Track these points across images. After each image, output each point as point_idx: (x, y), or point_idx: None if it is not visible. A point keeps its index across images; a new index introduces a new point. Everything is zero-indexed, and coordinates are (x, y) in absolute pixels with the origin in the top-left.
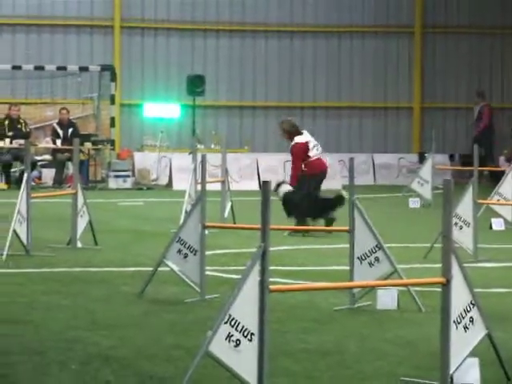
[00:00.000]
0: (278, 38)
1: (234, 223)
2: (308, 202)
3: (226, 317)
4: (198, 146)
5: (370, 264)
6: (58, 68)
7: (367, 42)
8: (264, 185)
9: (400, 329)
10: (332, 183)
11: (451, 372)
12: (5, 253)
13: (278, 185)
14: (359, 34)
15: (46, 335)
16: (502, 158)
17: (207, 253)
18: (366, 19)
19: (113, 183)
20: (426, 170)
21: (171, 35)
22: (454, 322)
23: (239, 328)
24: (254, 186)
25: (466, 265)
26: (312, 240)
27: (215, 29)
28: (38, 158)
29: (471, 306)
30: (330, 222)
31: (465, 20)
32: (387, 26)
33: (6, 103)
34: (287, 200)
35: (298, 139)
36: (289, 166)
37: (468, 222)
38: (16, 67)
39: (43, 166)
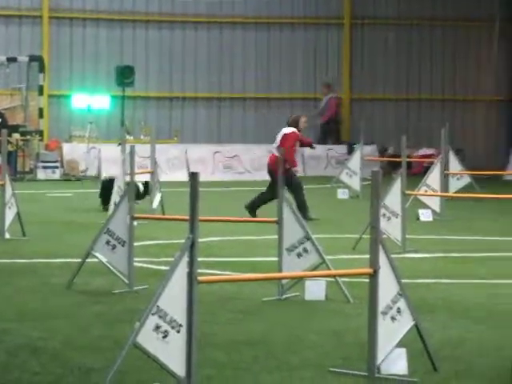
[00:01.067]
0: (208, 29)
1: (163, 214)
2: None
3: (154, 308)
4: (127, 136)
5: (299, 255)
6: None
7: (296, 33)
8: (193, 176)
9: (328, 319)
10: (261, 174)
11: (379, 362)
12: None
13: None
14: (288, 26)
15: None
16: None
17: (136, 244)
18: (295, 11)
19: (41, 174)
20: (354, 162)
21: (100, 26)
22: (382, 312)
23: (167, 319)
24: (183, 177)
25: (393, 255)
26: (240, 231)
27: (144, 19)
28: None
29: (399, 297)
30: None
31: (393, 11)
32: (316, 17)
33: None
34: None
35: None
36: (218, 156)
37: (396, 212)
38: None
39: None
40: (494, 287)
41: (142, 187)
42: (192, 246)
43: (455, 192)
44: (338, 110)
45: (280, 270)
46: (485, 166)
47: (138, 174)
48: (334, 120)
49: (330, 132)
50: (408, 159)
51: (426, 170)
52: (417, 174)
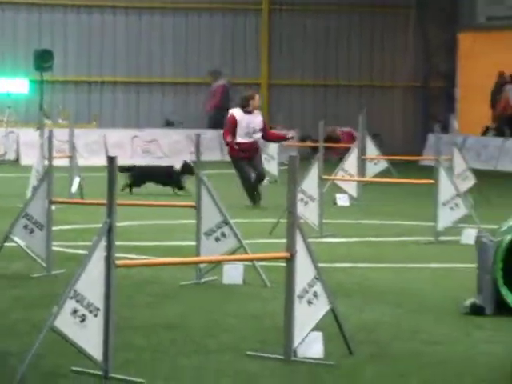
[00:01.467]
0: (126, 14)
1: (82, 199)
2: None
3: (72, 292)
4: (46, 121)
5: (217, 239)
6: None
7: (215, 18)
8: (111, 160)
9: (245, 303)
10: (180, 159)
11: (295, 346)
12: None
13: None
14: (207, 11)
15: None
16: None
17: (54, 228)
18: None
19: None
20: (272, 147)
21: (18, 10)
22: (298, 296)
23: (85, 303)
24: (102, 161)
25: (310, 240)
26: (159, 215)
27: (62, 4)
28: None
29: (315, 281)
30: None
31: None
32: (234, 2)
33: None
34: None
35: None
36: (136, 141)
37: (313, 197)
38: None
39: None
40: (409, 271)
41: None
42: (109, 231)
43: (372, 177)
44: (225, 97)
45: (198, 254)
46: (402, 151)
47: (56, 158)
48: (220, 108)
49: (217, 121)
50: (326, 144)
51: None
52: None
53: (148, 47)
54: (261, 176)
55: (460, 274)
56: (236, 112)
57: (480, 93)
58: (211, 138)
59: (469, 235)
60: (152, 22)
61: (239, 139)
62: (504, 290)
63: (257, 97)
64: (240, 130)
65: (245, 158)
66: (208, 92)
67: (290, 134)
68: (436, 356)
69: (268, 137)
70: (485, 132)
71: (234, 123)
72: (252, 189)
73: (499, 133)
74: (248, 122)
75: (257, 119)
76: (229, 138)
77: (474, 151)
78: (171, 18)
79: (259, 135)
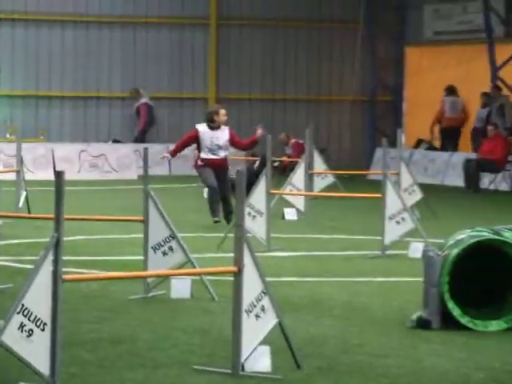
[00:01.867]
0: (74, 28)
1: (29, 213)
2: None
3: (19, 307)
4: None
5: (164, 253)
6: None
7: (162, 33)
8: (58, 175)
9: (193, 317)
10: (127, 173)
11: (243, 360)
12: None
13: None
14: (154, 26)
15: None
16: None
17: (1, 243)
18: (161, 10)
19: None
20: None
21: None
22: (246, 310)
23: (32, 318)
24: (50, 175)
25: (258, 254)
26: (107, 230)
27: (10, 18)
28: None
29: (263, 295)
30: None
31: (259, 13)
32: (182, 17)
33: None
34: None
35: None
36: (84, 155)
37: (261, 211)
38: None
39: None
40: (357, 285)
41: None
42: (57, 245)
43: (319, 191)
44: (149, 115)
45: (146, 269)
46: (349, 166)
47: (3, 172)
48: (149, 124)
49: (143, 139)
50: (274, 158)
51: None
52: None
53: (96, 61)
54: (225, 199)
55: (407, 287)
56: (200, 127)
57: (427, 107)
58: (160, 151)
59: (416, 249)
60: (100, 36)
61: (203, 155)
62: (450, 304)
63: (221, 112)
64: (203, 147)
65: (210, 169)
66: (133, 111)
67: (258, 132)
68: (383, 369)
69: (240, 147)
70: (417, 145)
71: (191, 138)
72: (216, 202)
73: (442, 146)
74: (212, 139)
75: (223, 135)
76: (174, 152)
77: (421, 165)
78: (119, 33)
79: (225, 153)
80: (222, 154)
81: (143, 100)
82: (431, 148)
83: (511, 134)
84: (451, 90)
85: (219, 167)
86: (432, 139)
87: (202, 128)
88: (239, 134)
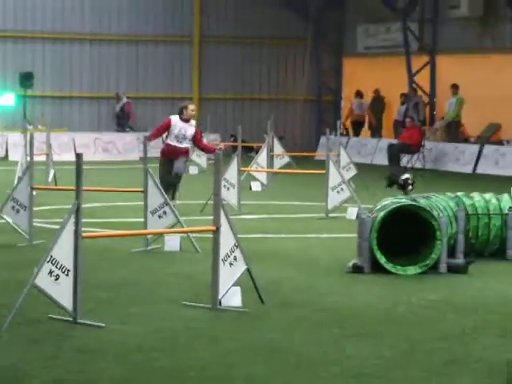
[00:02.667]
0: (91, 44)
1: (56, 185)
2: None
3: (48, 257)
4: (28, 126)
5: (159, 216)
6: None
7: (158, 48)
8: (78, 157)
9: (182, 266)
10: (131, 156)
11: (220, 297)
12: None
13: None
14: (152, 42)
15: None
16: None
17: (35, 209)
18: (157, 30)
19: None
20: None
21: (6, 42)
22: (222, 259)
23: (58, 266)
24: (72, 157)
25: (231, 216)
26: (115, 199)
27: (41, 36)
28: None
29: (235, 248)
30: None
31: (233, 32)
32: (173, 35)
33: None
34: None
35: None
36: (98, 142)
37: (234, 184)
38: None
39: None
40: (306, 240)
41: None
42: (77, 210)
43: (278, 168)
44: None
45: (145, 228)
46: (301, 149)
47: (36, 155)
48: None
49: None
50: (244, 143)
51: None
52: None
53: (106, 70)
54: (176, 176)
55: (345, 242)
56: (173, 117)
57: None
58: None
59: (352, 212)
60: (109, 51)
61: (169, 141)
62: (378, 254)
63: (190, 107)
64: (171, 134)
65: (168, 159)
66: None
67: (219, 147)
68: (327, 304)
69: (198, 145)
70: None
71: (165, 126)
72: (166, 185)
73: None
74: (180, 129)
75: (189, 128)
76: (151, 137)
77: (356, 149)
78: (125, 47)
79: (188, 143)
80: (185, 144)
81: (124, 100)
82: (343, 135)
83: (424, 124)
84: (359, 94)
85: (180, 153)
86: (345, 128)
87: (175, 118)
88: (216, 126)
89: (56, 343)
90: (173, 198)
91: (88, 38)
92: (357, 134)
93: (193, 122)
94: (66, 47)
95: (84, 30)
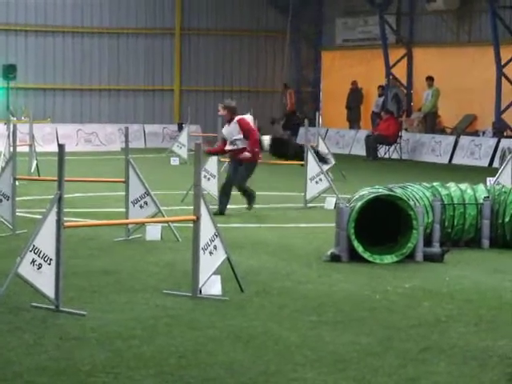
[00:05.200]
0: (72, 36)
1: (39, 176)
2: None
3: (31, 247)
4: (11, 118)
5: (141, 206)
6: None
7: (139, 40)
8: (60, 147)
9: (163, 254)
10: (113, 147)
11: (200, 286)
12: None
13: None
14: (133, 35)
15: None
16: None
17: (18, 199)
18: (138, 23)
19: None
20: (183, 137)
21: None
22: (202, 248)
23: (41, 255)
24: (54, 148)
25: (211, 206)
26: (97, 189)
27: (24, 29)
28: None
29: (215, 237)
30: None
31: (212, 25)
32: (154, 28)
33: None
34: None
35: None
36: (80, 133)
37: (214, 174)
38: None
39: None
40: (285, 229)
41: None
42: (59, 200)
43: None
44: None
45: (127, 218)
46: None
47: (19, 145)
48: None
49: None
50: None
51: None
52: None
53: (89, 62)
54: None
55: (323, 231)
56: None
57: (338, 96)
58: (137, 130)
59: (330, 202)
60: (92, 43)
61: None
62: (355, 243)
63: (219, 105)
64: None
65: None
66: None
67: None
68: (305, 292)
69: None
70: (272, 122)
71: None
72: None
73: (286, 124)
74: (227, 133)
75: (234, 128)
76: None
77: (334, 140)
78: (106, 40)
79: (238, 145)
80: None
81: None
82: (285, 126)
83: (405, 115)
84: (286, 87)
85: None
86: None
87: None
88: (196, 118)
89: (39, 331)
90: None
91: (70, 31)
92: (287, 123)
93: (235, 120)
94: (48, 40)
95: (66, 23)
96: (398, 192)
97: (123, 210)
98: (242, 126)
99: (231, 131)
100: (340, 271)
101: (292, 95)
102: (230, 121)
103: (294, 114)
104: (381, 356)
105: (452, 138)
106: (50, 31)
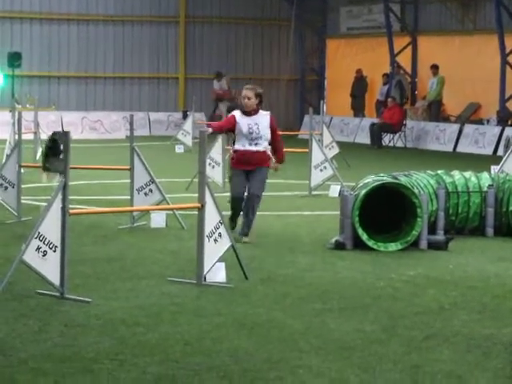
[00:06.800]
0: (77, 24)
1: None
2: None
3: (36, 233)
4: (16, 105)
5: (146, 194)
6: None
7: (144, 28)
8: (65, 134)
9: (168, 242)
10: (118, 134)
11: (205, 273)
12: None
13: None
14: (138, 23)
15: None
16: None
17: (23, 186)
18: (142, 10)
19: None
20: (188, 124)
21: None
22: (207, 236)
23: (46, 242)
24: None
25: (216, 194)
26: (102, 176)
27: (29, 17)
28: None
29: (220, 225)
30: None
31: (217, 13)
32: (159, 16)
33: None
34: None
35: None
36: (85, 120)
37: (219, 162)
38: None
39: None
40: (290, 217)
41: None
42: (64, 187)
43: None
44: None
45: (132, 205)
46: (285, 128)
47: (24, 133)
48: None
49: None
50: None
51: None
52: None
53: (94, 50)
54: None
55: (327, 219)
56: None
57: (342, 85)
58: (142, 118)
59: (334, 190)
60: (97, 31)
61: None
62: (360, 231)
63: (243, 92)
64: (238, 135)
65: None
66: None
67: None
68: (309, 279)
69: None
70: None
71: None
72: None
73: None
74: (248, 126)
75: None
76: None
77: (338, 128)
78: (111, 28)
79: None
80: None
81: None
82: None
83: (409, 103)
84: (219, 75)
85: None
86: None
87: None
88: (201, 105)
89: (44, 318)
90: (234, 223)
91: (75, 19)
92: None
93: (263, 112)
94: (53, 27)
95: (71, 11)
96: (403, 180)
97: (128, 197)
98: (273, 122)
99: (259, 125)
100: (344, 259)
101: (228, 81)
102: (251, 112)
103: (233, 100)
104: (385, 343)
105: (456, 127)
106: (55, 19)
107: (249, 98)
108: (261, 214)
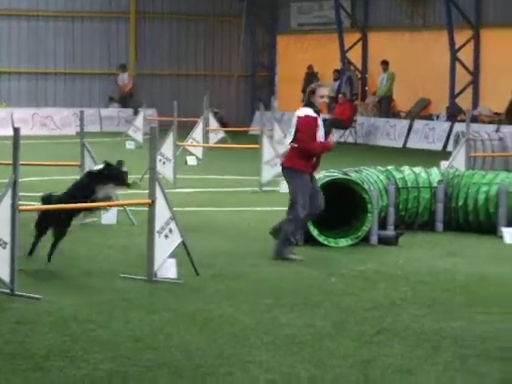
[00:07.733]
0: (27, 20)
1: None
2: None
3: None
4: None
5: None
6: None
7: (95, 23)
8: (15, 131)
9: (118, 238)
10: (68, 130)
11: (155, 269)
12: None
13: None
14: (88, 18)
15: None
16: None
17: None
18: (93, 6)
19: None
20: (138, 121)
21: None
22: (158, 232)
23: None
24: (9, 132)
25: (167, 190)
26: (52, 172)
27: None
28: None
29: (170, 220)
30: None
31: (167, 9)
32: (110, 12)
33: None
34: None
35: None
36: (36, 117)
37: (169, 158)
38: None
39: None
40: (241, 213)
41: None
42: (14, 184)
43: (213, 143)
44: None
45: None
46: (236, 124)
47: None
48: None
49: None
50: (179, 119)
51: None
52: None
53: (44, 45)
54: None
55: (278, 214)
56: (308, 111)
57: (294, 80)
58: (92, 114)
59: (285, 186)
60: (47, 26)
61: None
62: (310, 227)
63: (319, 91)
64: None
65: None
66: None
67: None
68: (261, 275)
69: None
70: (110, 99)
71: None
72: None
73: (123, 106)
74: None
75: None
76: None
77: (289, 124)
78: (62, 23)
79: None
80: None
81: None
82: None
83: (360, 99)
84: (122, 68)
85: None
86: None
87: (310, 112)
88: (152, 102)
89: None
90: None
91: (25, 15)
92: (124, 105)
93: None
94: (3, 23)
95: (21, 7)
96: (353, 176)
97: None
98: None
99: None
100: (296, 254)
101: (131, 77)
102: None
103: (131, 97)
104: (336, 338)
105: (406, 122)
106: (4, 14)
107: (326, 99)
108: (211, 209)
